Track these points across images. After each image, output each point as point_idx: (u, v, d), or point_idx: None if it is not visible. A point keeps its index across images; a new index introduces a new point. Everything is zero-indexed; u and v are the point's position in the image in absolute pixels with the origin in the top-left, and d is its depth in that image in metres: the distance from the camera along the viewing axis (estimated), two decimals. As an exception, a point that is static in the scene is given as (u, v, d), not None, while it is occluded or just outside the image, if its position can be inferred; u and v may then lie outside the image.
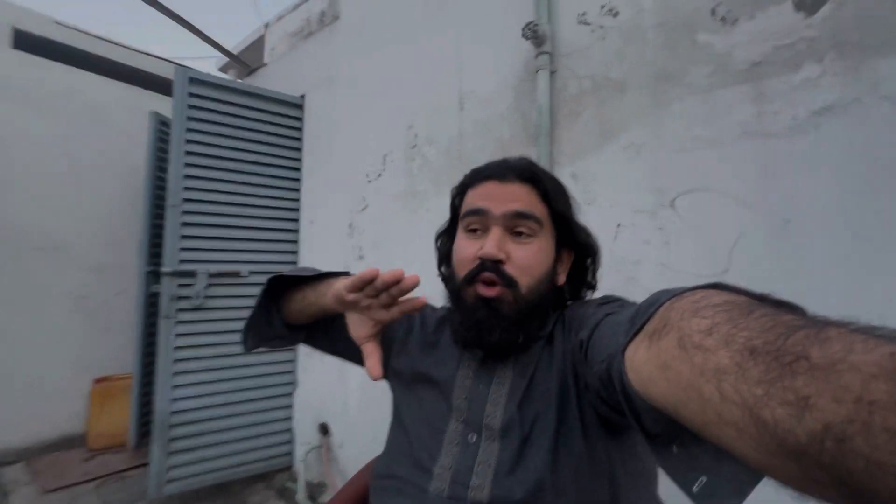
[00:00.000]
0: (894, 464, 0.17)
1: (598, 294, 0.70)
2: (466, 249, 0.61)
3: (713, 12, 1.04)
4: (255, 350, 0.78)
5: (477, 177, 0.65)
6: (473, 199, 0.63)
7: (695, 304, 0.32)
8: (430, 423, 0.62)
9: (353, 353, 0.73)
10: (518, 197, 0.60)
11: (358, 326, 0.62)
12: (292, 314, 0.73)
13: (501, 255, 0.57)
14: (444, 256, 0.72)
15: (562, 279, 0.66)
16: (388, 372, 0.73)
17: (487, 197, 0.61)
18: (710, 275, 1.02)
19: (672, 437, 0.34)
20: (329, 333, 0.77)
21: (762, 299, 0.31)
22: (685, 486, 0.33)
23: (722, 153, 1.01)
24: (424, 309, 0.75)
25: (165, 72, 3.24)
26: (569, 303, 0.70)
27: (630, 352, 0.36)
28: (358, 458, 1.86)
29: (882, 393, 0.18)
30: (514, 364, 0.61)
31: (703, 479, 0.32)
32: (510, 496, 0.51)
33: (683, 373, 0.28)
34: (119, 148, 3.03)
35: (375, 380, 0.61)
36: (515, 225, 0.59)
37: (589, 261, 0.68)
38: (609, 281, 1.17)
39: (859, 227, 0.85)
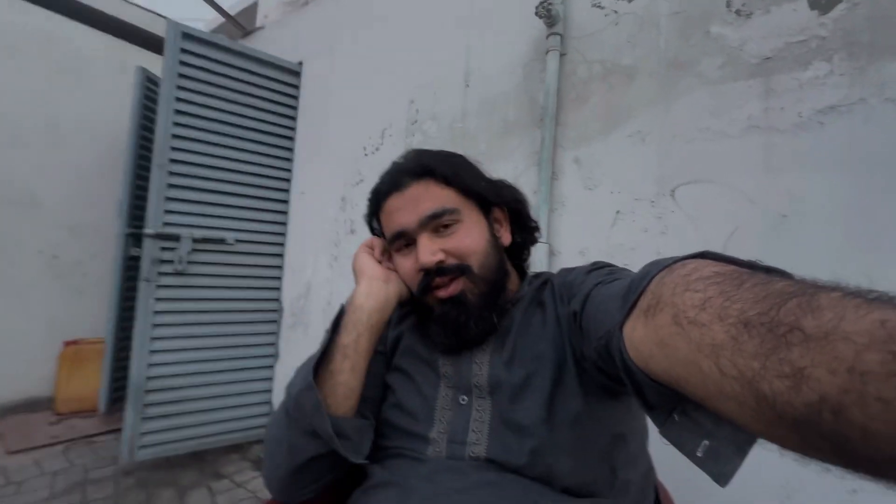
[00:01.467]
0: (889, 433, 0.18)
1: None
2: (405, 265, 0.63)
3: (728, 4, 1.05)
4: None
5: (379, 196, 0.65)
6: (388, 222, 0.63)
7: (685, 277, 0.32)
8: (420, 393, 0.61)
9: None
10: (422, 198, 0.60)
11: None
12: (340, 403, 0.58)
13: (438, 257, 0.58)
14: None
15: (507, 238, 0.66)
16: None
17: (397, 213, 0.61)
18: (704, 265, 1.04)
19: (672, 405, 0.35)
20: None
21: (751, 267, 0.32)
22: (689, 451, 0.33)
23: (727, 146, 1.03)
24: None
25: (153, 26, 3.08)
26: (527, 257, 0.72)
27: (628, 329, 0.36)
28: (338, 432, 1.85)
29: (874, 363, 0.19)
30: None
31: (706, 443, 0.32)
32: (508, 458, 0.51)
33: (681, 349, 0.29)
34: (100, 102, 2.89)
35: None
36: (435, 225, 0.60)
37: (521, 207, 0.69)
38: (604, 266, 1.18)
39: (854, 226, 0.87)
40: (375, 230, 0.70)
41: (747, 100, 1.01)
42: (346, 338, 0.58)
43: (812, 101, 0.93)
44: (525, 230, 0.70)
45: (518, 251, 0.70)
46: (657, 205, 1.12)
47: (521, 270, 0.71)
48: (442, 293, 0.59)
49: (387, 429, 0.62)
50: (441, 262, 0.58)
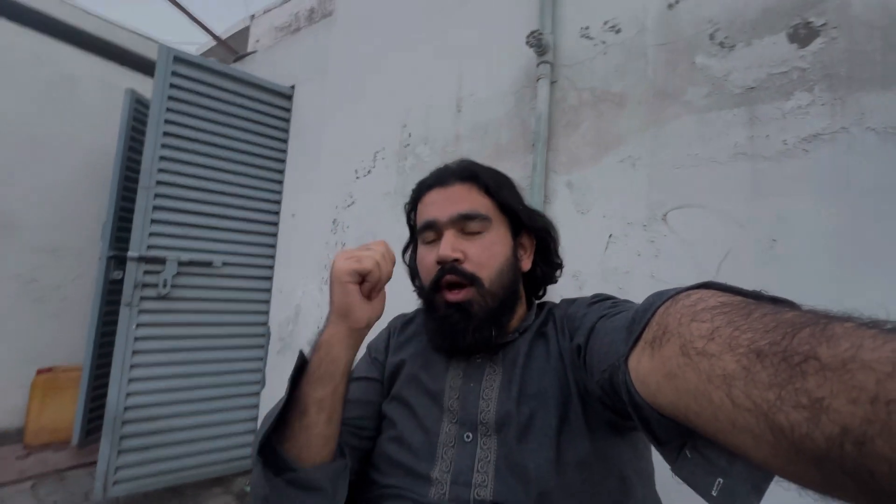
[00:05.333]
0: None
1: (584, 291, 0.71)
2: (426, 258, 0.64)
3: (712, 37, 1.09)
4: None
5: (422, 188, 0.68)
6: (423, 211, 0.66)
7: (691, 307, 0.31)
8: (423, 429, 0.59)
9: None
10: (461, 198, 0.63)
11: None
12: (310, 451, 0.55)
13: (457, 254, 0.59)
14: (414, 272, 0.73)
15: (527, 264, 0.67)
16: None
17: (433, 205, 0.64)
18: (697, 289, 1.04)
19: (683, 441, 0.33)
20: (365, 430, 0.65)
21: (756, 297, 0.32)
22: (703, 490, 0.31)
23: (715, 172, 1.05)
24: (395, 321, 0.78)
25: (143, 49, 3.10)
26: (543, 294, 0.73)
27: (633, 362, 0.36)
28: (326, 462, 1.78)
29: None
30: (502, 360, 0.61)
31: (721, 481, 0.31)
32: (516, 501, 0.49)
33: (691, 380, 0.28)
34: (86, 124, 2.86)
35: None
36: (464, 226, 0.62)
37: (549, 241, 0.70)
38: (599, 290, 1.18)
39: (840, 250, 0.89)
40: (410, 220, 0.72)
41: (733, 127, 1.04)
42: (322, 391, 0.53)
43: (796, 130, 0.96)
44: (548, 264, 0.71)
45: (534, 282, 0.70)
46: (650, 228, 1.13)
47: (531, 301, 0.70)
48: (450, 297, 0.60)
49: (384, 464, 0.59)
50: (457, 260, 0.59)
